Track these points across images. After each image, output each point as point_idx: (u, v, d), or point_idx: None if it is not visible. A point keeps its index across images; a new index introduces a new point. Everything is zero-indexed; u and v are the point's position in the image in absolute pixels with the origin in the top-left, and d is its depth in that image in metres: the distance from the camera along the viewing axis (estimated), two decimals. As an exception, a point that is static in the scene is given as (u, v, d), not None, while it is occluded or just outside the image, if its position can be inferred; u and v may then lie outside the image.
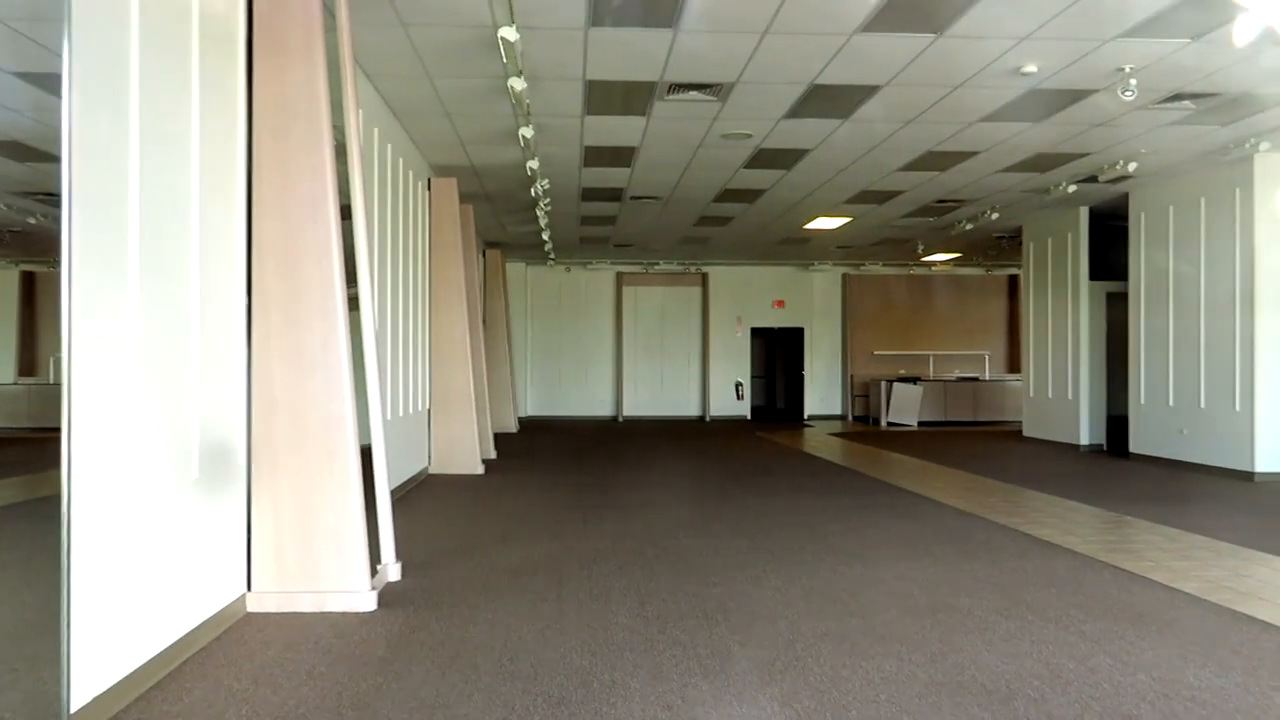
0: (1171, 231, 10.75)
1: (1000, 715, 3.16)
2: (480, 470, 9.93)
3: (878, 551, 5.84)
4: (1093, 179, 10.54)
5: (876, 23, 5.89)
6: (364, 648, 3.89)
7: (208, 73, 4.01)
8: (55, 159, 2.86)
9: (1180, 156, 9.57)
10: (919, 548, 5.96)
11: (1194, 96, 7.47)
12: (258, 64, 4.47)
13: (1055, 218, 13.11)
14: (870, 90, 7.32)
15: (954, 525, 6.80)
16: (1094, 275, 12.67)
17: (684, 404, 19.25)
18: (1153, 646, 3.93)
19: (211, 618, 4.00)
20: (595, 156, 9.60)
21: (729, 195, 11.76)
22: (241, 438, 4.38)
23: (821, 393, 19.58)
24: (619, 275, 19.06)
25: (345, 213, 4.72)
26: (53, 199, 2.89)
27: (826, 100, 7.56)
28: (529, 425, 16.85)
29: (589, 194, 11.66)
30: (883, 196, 11.83)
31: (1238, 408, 9.68)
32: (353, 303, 4.67)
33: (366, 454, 4.77)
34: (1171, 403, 10.72)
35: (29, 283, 5.39)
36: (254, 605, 4.42)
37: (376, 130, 7.30)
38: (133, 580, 3.30)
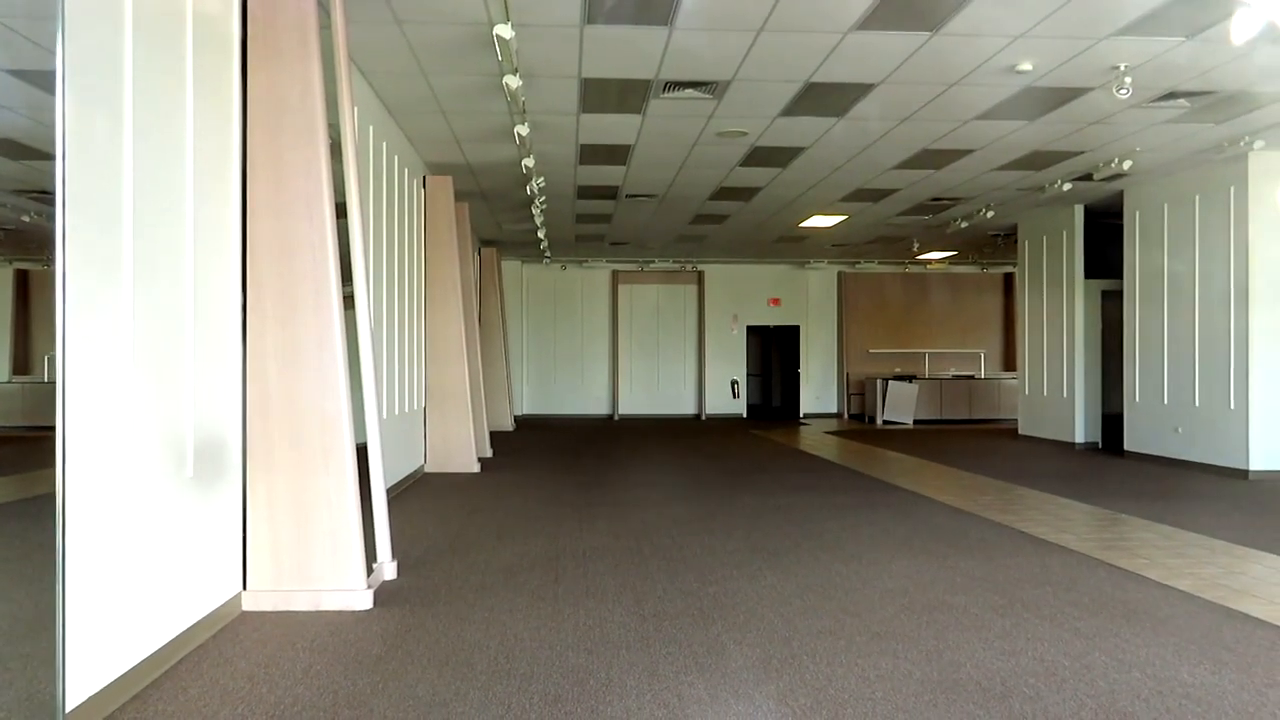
0: (1166, 229, 10.78)
1: (996, 713, 3.17)
2: (476, 468, 9.92)
3: (873, 549, 5.85)
4: (1088, 177, 10.56)
5: (871, 20, 5.89)
6: (360, 646, 3.89)
7: (202, 69, 4.00)
8: (49, 157, 2.85)
9: (1175, 154, 9.59)
10: (914, 545, 5.97)
11: (1188, 94, 7.48)
12: (252, 61, 4.46)
13: (1050, 216, 13.13)
14: (865, 88, 7.32)
15: (949, 523, 6.82)
16: (1089, 273, 12.70)
17: (680, 402, 19.26)
18: (1147, 644, 3.95)
19: (207, 616, 3.99)
20: (591, 154, 9.60)
21: (724, 193, 11.77)
22: (236, 436, 4.37)
23: (817, 391, 19.60)
24: (614, 273, 19.06)
25: (340, 211, 4.71)
26: (47, 197, 2.88)
27: (822, 98, 7.57)
28: (525, 424, 16.85)
29: (584, 192, 11.66)
30: (878, 195, 11.84)
31: (1232, 406, 9.70)
32: (348, 301, 4.66)
33: (362, 452, 4.76)
34: (1166, 401, 10.75)
35: (23, 281, 5.36)
36: (249, 604, 4.41)
37: (371, 128, 7.29)
38: (128, 579, 3.30)
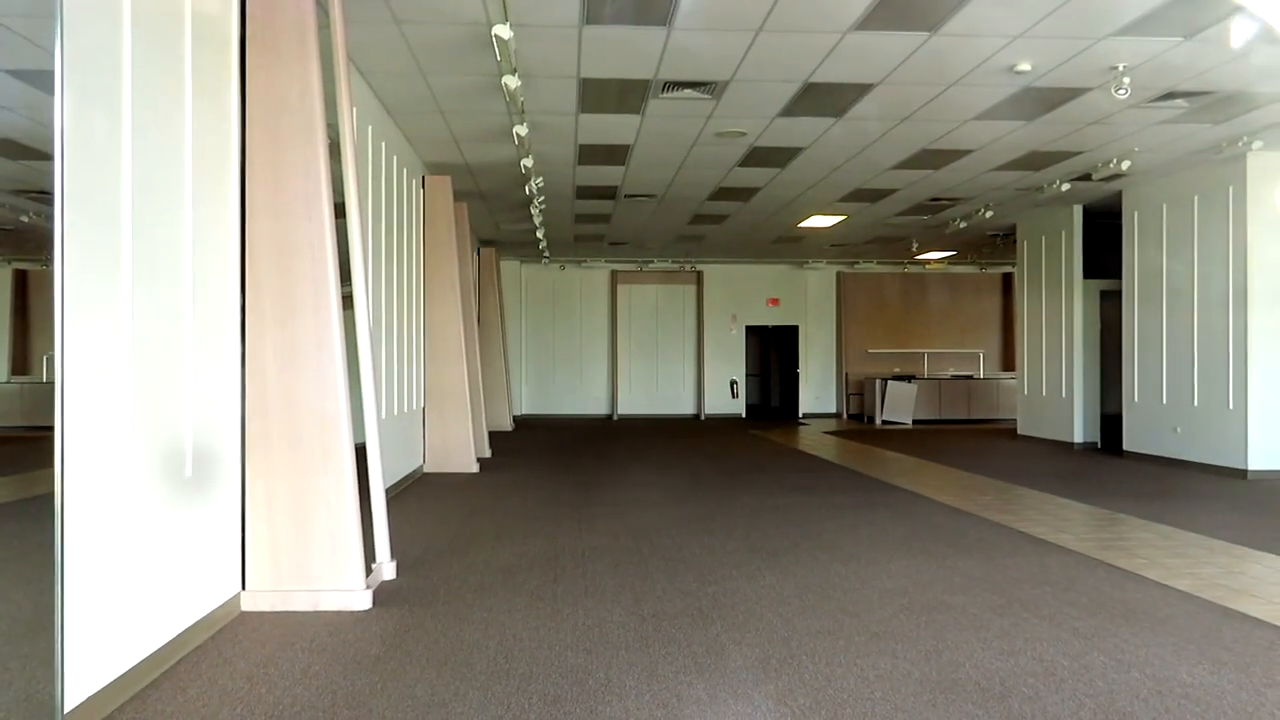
0: (1165, 229, 10.79)
1: (995, 713, 3.17)
2: (475, 469, 9.92)
3: (872, 549, 5.85)
4: (1086, 177, 10.56)
5: (870, 21, 5.90)
6: (359, 646, 3.88)
7: (201, 69, 4.00)
8: (48, 157, 2.85)
9: (1173, 155, 9.60)
10: (913, 545, 5.97)
11: (1187, 95, 7.49)
12: (251, 60, 4.46)
13: (1049, 216, 13.14)
14: (864, 88, 7.33)
15: (948, 523, 6.82)
16: (1088, 273, 12.71)
17: (679, 402, 19.26)
18: (1146, 644, 3.95)
19: (206, 617, 3.99)
20: (589, 154, 9.60)
21: (723, 193, 11.77)
22: (235, 436, 4.37)
23: (816, 391, 19.60)
24: (613, 273, 19.05)
25: (339, 211, 4.71)
26: (46, 197, 2.88)
27: (820, 98, 7.57)
28: (524, 424, 16.85)
29: (583, 192, 11.66)
30: (876, 195, 11.85)
31: (1231, 406, 9.71)
32: (347, 301, 4.66)
33: (361, 452, 4.76)
34: (1165, 401, 10.75)
35: (21, 281, 5.36)
36: (248, 604, 4.41)
37: (370, 128, 7.29)
38: (126, 579, 3.29)
